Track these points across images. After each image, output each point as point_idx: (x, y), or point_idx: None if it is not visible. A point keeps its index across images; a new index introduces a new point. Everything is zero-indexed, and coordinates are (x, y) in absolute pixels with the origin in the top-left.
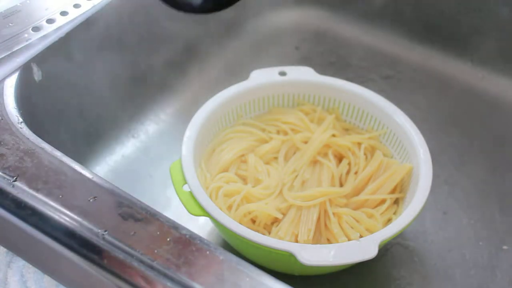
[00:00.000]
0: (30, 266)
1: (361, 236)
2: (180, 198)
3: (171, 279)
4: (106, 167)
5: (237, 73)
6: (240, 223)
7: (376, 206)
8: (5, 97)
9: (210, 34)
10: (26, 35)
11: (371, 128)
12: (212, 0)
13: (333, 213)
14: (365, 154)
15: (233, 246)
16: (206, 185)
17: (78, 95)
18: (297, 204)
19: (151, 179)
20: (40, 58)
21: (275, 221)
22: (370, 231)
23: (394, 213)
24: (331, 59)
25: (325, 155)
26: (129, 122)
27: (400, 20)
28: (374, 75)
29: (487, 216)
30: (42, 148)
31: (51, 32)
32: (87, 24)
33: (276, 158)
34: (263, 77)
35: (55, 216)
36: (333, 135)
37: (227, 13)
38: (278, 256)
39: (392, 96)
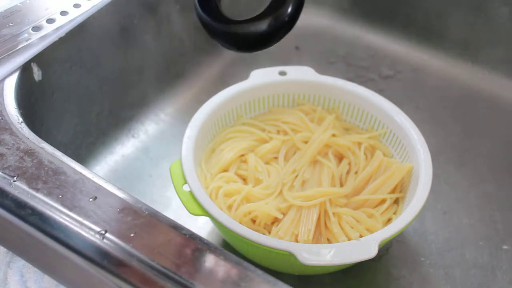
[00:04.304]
0: (30, 266)
1: (361, 236)
2: (180, 198)
3: (171, 279)
4: (106, 167)
5: (237, 73)
6: (240, 223)
7: (376, 206)
8: (5, 97)
9: None
10: (26, 35)
11: (371, 128)
12: (274, 32)
13: (333, 213)
14: (365, 154)
15: (233, 246)
16: (206, 185)
17: (78, 95)
18: (297, 204)
19: (151, 179)
20: (40, 58)
21: (275, 221)
22: (370, 231)
23: (394, 213)
24: (331, 59)
25: (325, 155)
26: (129, 122)
27: (400, 20)
28: (374, 75)
29: (487, 216)
30: (42, 148)
31: (51, 32)
32: (87, 24)
33: (276, 158)
34: (263, 77)
35: (55, 216)
36: (333, 135)
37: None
38: (278, 256)
39: (392, 96)
